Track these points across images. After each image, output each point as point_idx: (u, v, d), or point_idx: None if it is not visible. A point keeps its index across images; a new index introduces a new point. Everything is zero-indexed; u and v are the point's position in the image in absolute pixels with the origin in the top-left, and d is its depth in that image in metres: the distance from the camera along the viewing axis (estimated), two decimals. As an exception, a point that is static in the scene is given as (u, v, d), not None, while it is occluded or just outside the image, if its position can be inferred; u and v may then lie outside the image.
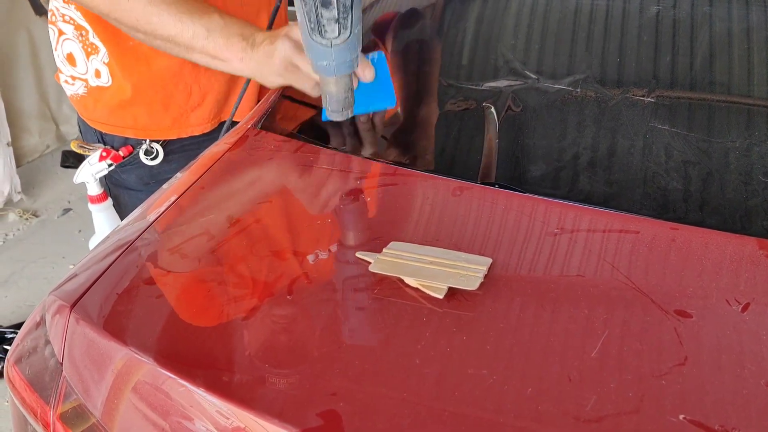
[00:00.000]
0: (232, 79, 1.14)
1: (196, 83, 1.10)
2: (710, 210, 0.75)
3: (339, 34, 0.73)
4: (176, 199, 0.85)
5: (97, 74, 1.07)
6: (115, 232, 0.84)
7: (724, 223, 0.74)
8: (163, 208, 0.84)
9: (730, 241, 0.70)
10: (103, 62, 1.06)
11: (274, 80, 0.92)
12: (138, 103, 1.09)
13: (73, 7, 1.05)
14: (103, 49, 1.05)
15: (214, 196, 0.85)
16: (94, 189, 1.18)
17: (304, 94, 0.92)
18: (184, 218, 0.81)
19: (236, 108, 1.09)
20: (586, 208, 0.76)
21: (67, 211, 2.59)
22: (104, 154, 1.13)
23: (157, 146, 1.13)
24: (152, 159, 1.14)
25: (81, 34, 1.05)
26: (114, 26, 1.00)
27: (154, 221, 0.81)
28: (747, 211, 0.74)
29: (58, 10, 1.07)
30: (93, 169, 1.14)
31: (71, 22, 1.05)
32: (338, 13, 0.71)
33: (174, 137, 1.14)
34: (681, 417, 0.52)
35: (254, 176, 0.88)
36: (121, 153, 1.14)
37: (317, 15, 0.71)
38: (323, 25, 0.72)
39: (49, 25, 1.11)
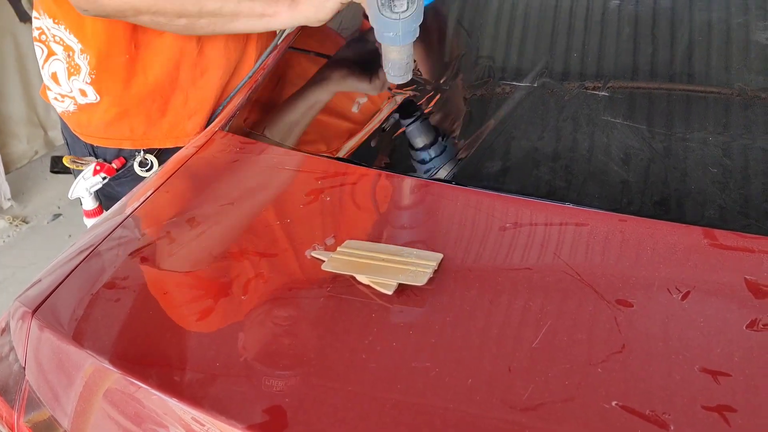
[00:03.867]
0: (227, 85, 1.15)
1: (193, 88, 1.11)
2: (659, 201, 0.76)
3: (407, 8, 0.79)
4: (140, 204, 0.87)
5: (83, 93, 1.08)
6: (80, 237, 0.86)
7: (673, 213, 0.75)
8: (126, 213, 0.86)
9: (676, 231, 0.71)
10: (86, 82, 1.06)
11: (332, 4, 0.94)
12: (134, 114, 1.09)
13: (62, 27, 1.04)
14: (84, 70, 1.05)
15: (178, 199, 0.87)
16: (90, 203, 1.18)
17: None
18: (147, 223, 0.83)
19: (221, 109, 1.10)
20: (537, 202, 0.77)
21: (56, 216, 2.60)
22: (98, 167, 1.13)
23: (151, 157, 1.14)
24: (147, 170, 1.14)
25: (68, 55, 1.05)
26: (107, 41, 1.00)
27: (117, 226, 0.82)
28: (695, 201, 0.76)
29: (48, 30, 1.06)
30: (87, 183, 1.14)
31: (61, 42, 1.05)
32: None
33: (171, 146, 1.13)
34: (614, 403, 0.53)
35: (218, 179, 0.90)
36: (114, 165, 1.14)
37: None
38: (393, 2, 0.78)
39: (37, 43, 1.09)
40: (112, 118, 1.09)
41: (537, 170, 0.82)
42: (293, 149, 0.93)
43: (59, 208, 2.64)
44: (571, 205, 0.76)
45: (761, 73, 0.87)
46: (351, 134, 0.97)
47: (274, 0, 0.94)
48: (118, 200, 1.17)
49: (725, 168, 0.78)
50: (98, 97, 1.07)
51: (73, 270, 0.75)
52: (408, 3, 0.78)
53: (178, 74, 1.07)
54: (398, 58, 0.85)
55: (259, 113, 1.05)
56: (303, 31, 1.13)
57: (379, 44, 0.85)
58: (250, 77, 1.09)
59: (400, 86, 0.98)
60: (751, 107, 0.84)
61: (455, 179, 0.82)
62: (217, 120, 1.04)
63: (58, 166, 1.26)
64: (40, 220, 2.61)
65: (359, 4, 0.94)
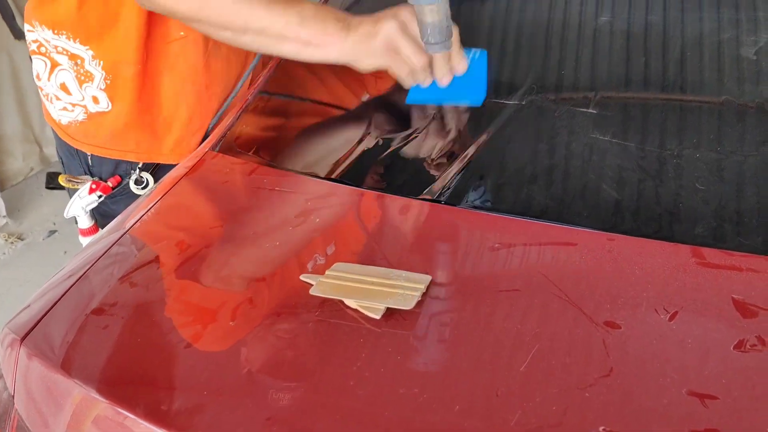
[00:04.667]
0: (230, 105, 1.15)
1: (197, 103, 1.11)
2: (648, 219, 0.76)
3: None
4: (129, 227, 0.87)
5: (95, 101, 1.08)
6: (71, 259, 0.86)
7: (661, 231, 0.75)
8: (117, 236, 0.86)
9: (664, 249, 0.71)
10: (100, 88, 1.06)
11: (371, 62, 0.90)
12: (142, 126, 1.09)
13: (64, 36, 1.04)
14: (99, 76, 1.05)
15: (168, 222, 0.87)
16: (85, 222, 1.18)
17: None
18: (136, 246, 0.83)
19: (213, 125, 1.11)
20: (526, 221, 0.77)
21: (52, 233, 2.60)
22: (93, 186, 1.14)
23: (147, 175, 1.14)
24: (143, 188, 1.15)
25: (76, 63, 1.05)
26: (118, 51, 1.00)
27: (106, 250, 0.82)
28: (683, 219, 0.76)
29: (48, 42, 1.06)
30: (83, 202, 1.15)
31: (65, 52, 1.05)
32: None
33: (174, 162, 1.12)
34: (601, 429, 0.53)
35: (208, 201, 0.90)
36: (110, 184, 1.14)
37: None
38: None
39: (37, 57, 1.09)
40: (120, 129, 1.10)
41: (525, 189, 0.82)
42: (282, 169, 0.93)
43: (55, 224, 2.65)
44: (559, 224, 0.76)
45: (749, 89, 0.87)
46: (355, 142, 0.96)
47: (323, 30, 0.89)
48: (113, 218, 1.18)
49: (713, 185, 0.78)
50: (110, 105, 1.08)
51: (62, 295, 0.75)
52: None
53: (184, 88, 1.08)
54: (436, 20, 0.78)
55: (250, 133, 1.05)
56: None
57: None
58: (235, 96, 1.10)
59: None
60: (741, 123, 0.84)
61: (444, 198, 0.82)
62: (208, 139, 1.05)
63: (53, 182, 1.27)
64: (35, 236, 2.61)
65: None
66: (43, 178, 2.85)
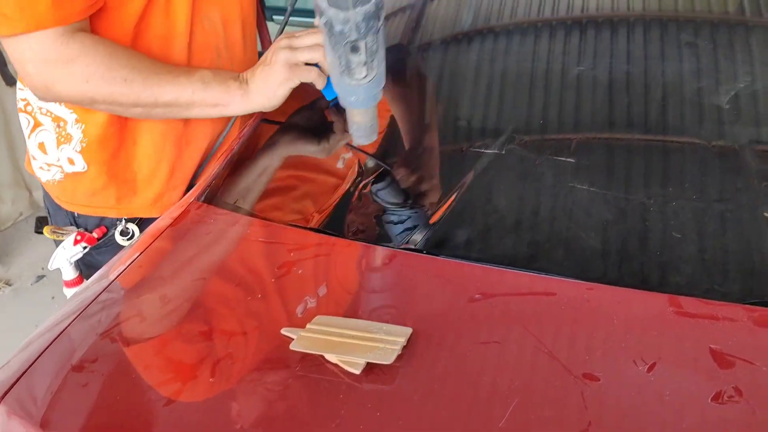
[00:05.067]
0: (214, 154, 1.16)
1: (179, 160, 1.12)
2: (626, 268, 0.77)
3: (366, 74, 0.80)
4: (112, 281, 0.87)
5: (71, 162, 1.08)
6: (53, 315, 0.85)
7: (640, 280, 0.76)
8: (99, 290, 0.86)
9: (642, 298, 0.72)
10: (75, 150, 1.06)
11: (282, 91, 0.95)
12: (120, 184, 1.10)
13: None
14: (76, 137, 1.06)
15: (151, 275, 0.87)
16: (70, 273, 1.18)
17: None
18: (118, 301, 0.83)
19: (197, 175, 1.12)
20: (507, 271, 0.78)
21: (40, 278, 2.59)
22: (78, 237, 1.13)
23: (132, 226, 1.14)
24: (128, 239, 1.15)
25: (59, 125, 1.06)
26: (99, 114, 1.01)
27: (89, 304, 0.82)
28: (661, 267, 0.77)
29: (34, 102, 1.07)
30: (68, 253, 1.14)
31: (48, 114, 1.06)
32: (366, 58, 0.78)
33: (155, 216, 1.13)
34: (580, 486, 0.53)
35: (191, 253, 0.90)
36: (95, 235, 1.14)
37: (347, 60, 0.78)
38: (352, 69, 0.79)
39: (23, 114, 1.10)
40: (98, 188, 1.10)
41: (506, 238, 0.83)
42: (266, 220, 0.94)
43: (43, 269, 2.63)
44: (539, 274, 0.77)
45: (724, 138, 0.89)
46: (336, 191, 0.99)
47: (226, 90, 0.97)
48: (99, 269, 1.18)
49: (689, 233, 0.79)
50: (86, 166, 1.08)
51: (42, 352, 0.75)
52: (367, 70, 0.79)
53: (164, 145, 1.09)
54: (362, 121, 0.86)
55: (235, 183, 1.06)
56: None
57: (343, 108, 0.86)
58: (220, 145, 1.11)
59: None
60: (716, 171, 0.86)
61: (425, 248, 0.83)
62: (192, 190, 1.05)
63: (42, 227, 1.26)
64: (23, 282, 2.60)
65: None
66: (32, 223, 2.85)
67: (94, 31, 0.95)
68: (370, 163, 0.99)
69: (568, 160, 0.89)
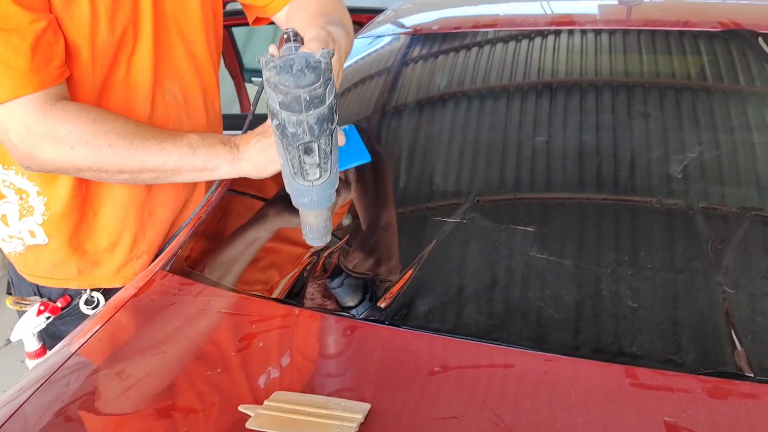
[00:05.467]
0: (175, 222, 1.16)
1: (142, 230, 1.11)
2: (584, 338, 0.78)
3: (320, 176, 0.79)
4: (73, 353, 0.86)
5: (32, 234, 1.07)
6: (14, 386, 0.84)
7: (597, 351, 0.77)
8: (60, 362, 0.84)
9: (599, 370, 0.73)
10: (37, 223, 1.06)
11: (272, 168, 0.96)
12: (82, 255, 1.09)
13: (12, 171, 1.05)
14: (39, 210, 1.06)
15: (111, 348, 0.86)
16: (33, 344, 1.16)
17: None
18: (77, 376, 0.82)
19: (166, 247, 1.12)
20: (467, 342, 0.78)
21: (8, 342, 2.53)
22: (42, 307, 1.12)
23: (97, 295, 1.13)
24: (93, 308, 1.13)
25: (21, 198, 1.05)
26: (60, 188, 1.01)
27: (48, 378, 0.81)
28: (617, 338, 0.78)
29: None
30: (30, 324, 1.12)
31: (11, 186, 1.06)
32: (319, 159, 0.77)
33: (119, 285, 1.12)
34: None
35: (153, 324, 0.90)
36: (59, 304, 1.13)
37: (300, 161, 0.77)
38: (305, 170, 0.78)
39: None
40: (59, 260, 1.09)
41: (467, 309, 0.84)
42: (229, 290, 0.94)
43: (12, 331, 2.58)
44: (499, 345, 0.77)
45: (678, 208, 0.92)
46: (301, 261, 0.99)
47: (215, 155, 0.97)
48: (62, 338, 1.16)
49: (645, 302, 0.80)
50: (47, 239, 1.07)
51: (-5, 433, 0.73)
52: (321, 171, 0.78)
53: (126, 216, 1.09)
54: (315, 222, 0.84)
55: (200, 252, 1.06)
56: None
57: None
58: (195, 215, 1.11)
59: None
60: (671, 242, 0.88)
61: (386, 319, 0.83)
62: (159, 259, 1.05)
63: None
64: (-8, 345, 2.54)
65: None
66: (3, 285, 2.80)
67: None
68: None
69: (528, 229, 0.91)
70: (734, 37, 1.19)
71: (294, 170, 0.78)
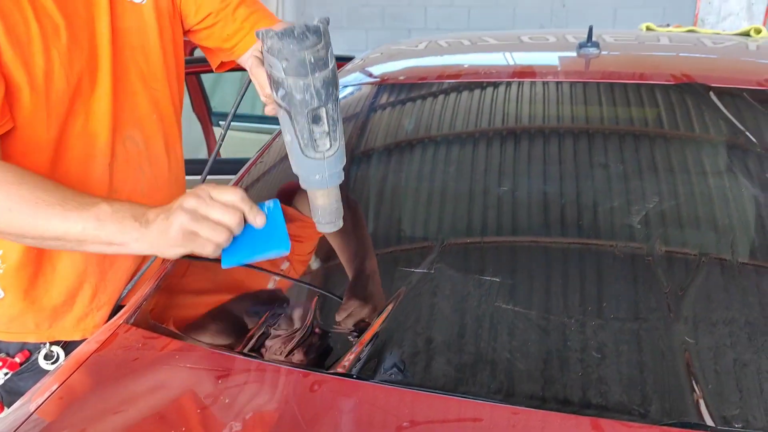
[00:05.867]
0: (137, 273, 1.14)
1: (102, 282, 1.09)
2: (550, 390, 0.79)
3: (330, 145, 0.78)
4: (32, 412, 0.83)
5: None
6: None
7: (562, 402, 0.77)
8: (19, 421, 0.82)
9: (565, 422, 0.73)
10: None
11: (174, 252, 0.88)
12: (40, 309, 1.07)
13: None
14: None
15: (71, 407, 0.84)
16: None
17: None
18: (35, 436, 0.79)
19: (124, 296, 1.10)
20: (435, 395, 0.78)
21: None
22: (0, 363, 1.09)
23: (57, 349, 1.10)
24: (53, 363, 1.10)
25: None
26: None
27: (4, 443, 0.78)
28: (582, 389, 0.79)
29: None
30: None
31: None
32: (328, 127, 0.77)
33: (78, 338, 1.10)
34: None
35: (117, 380, 0.88)
36: (17, 359, 1.10)
37: (310, 131, 0.76)
38: (315, 140, 0.77)
39: None
40: (16, 313, 1.06)
41: (435, 361, 0.84)
42: (196, 343, 0.93)
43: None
44: (467, 398, 0.78)
45: (639, 258, 0.94)
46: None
47: (121, 230, 0.88)
48: (21, 395, 1.12)
49: (609, 352, 0.82)
50: (3, 293, 1.05)
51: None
52: (330, 140, 0.77)
53: (86, 268, 1.07)
54: (327, 203, 0.82)
55: (165, 305, 1.05)
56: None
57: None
58: (150, 265, 1.10)
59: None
60: (634, 293, 0.90)
61: (353, 372, 0.83)
62: (122, 311, 1.04)
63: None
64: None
65: None
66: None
67: (9, 155, 0.94)
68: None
69: (494, 279, 0.92)
70: (687, 91, 1.24)
71: (304, 142, 0.77)
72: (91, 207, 0.89)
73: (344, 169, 0.82)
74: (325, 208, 0.83)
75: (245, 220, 0.86)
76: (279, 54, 0.73)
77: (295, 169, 0.82)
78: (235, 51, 1.15)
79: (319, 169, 0.79)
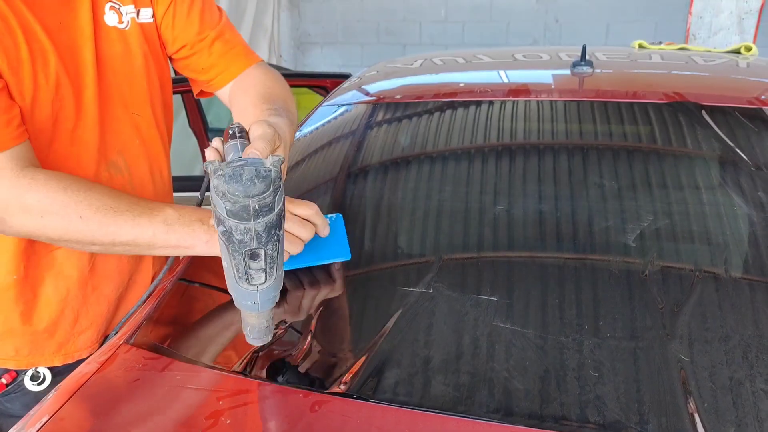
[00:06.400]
0: (121, 296, 1.14)
1: (84, 307, 1.09)
2: (548, 409, 0.80)
3: (265, 280, 0.77)
4: (33, 436, 0.84)
5: None
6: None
7: (560, 421, 0.78)
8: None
9: (563, 441, 0.74)
10: None
11: None
12: (20, 335, 1.06)
13: None
14: None
15: (75, 428, 0.84)
16: None
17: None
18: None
19: (126, 319, 1.10)
20: (433, 415, 0.79)
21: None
22: None
23: (44, 370, 1.10)
24: (39, 384, 1.10)
25: None
26: None
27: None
28: (581, 408, 0.79)
29: None
30: None
31: None
32: (265, 264, 0.76)
33: (59, 364, 1.10)
34: None
35: (118, 402, 0.88)
36: (3, 381, 1.09)
37: (246, 266, 0.75)
38: (250, 275, 0.76)
39: None
40: None
41: (432, 380, 0.85)
42: (197, 364, 0.93)
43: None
44: (465, 417, 0.78)
45: (636, 278, 0.95)
46: None
47: (191, 233, 0.94)
48: (7, 417, 1.11)
49: (605, 371, 0.83)
50: None
51: None
52: (266, 276, 0.76)
53: (68, 294, 1.06)
54: (257, 323, 0.82)
55: (166, 324, 1.05)
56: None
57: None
58: (156, 286, 1.11)
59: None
60: (630, 312, 0.91)
61: (352, 392, 0.84)
62: (122, 332, 1.04)
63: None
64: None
65: None
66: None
67: None
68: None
69: (492, 298, 0.93)
70: (679, 109, 1.26)
71: (239, 275, 0.76)
72: (158, 212, 0.93)
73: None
74: (254, 327, 0.83)
75: None
76: (223, 196, 0.71)
77: (229, 290, 0.81)
78: (213, 84, 1.14)
79: (252, 297, 0.79)
